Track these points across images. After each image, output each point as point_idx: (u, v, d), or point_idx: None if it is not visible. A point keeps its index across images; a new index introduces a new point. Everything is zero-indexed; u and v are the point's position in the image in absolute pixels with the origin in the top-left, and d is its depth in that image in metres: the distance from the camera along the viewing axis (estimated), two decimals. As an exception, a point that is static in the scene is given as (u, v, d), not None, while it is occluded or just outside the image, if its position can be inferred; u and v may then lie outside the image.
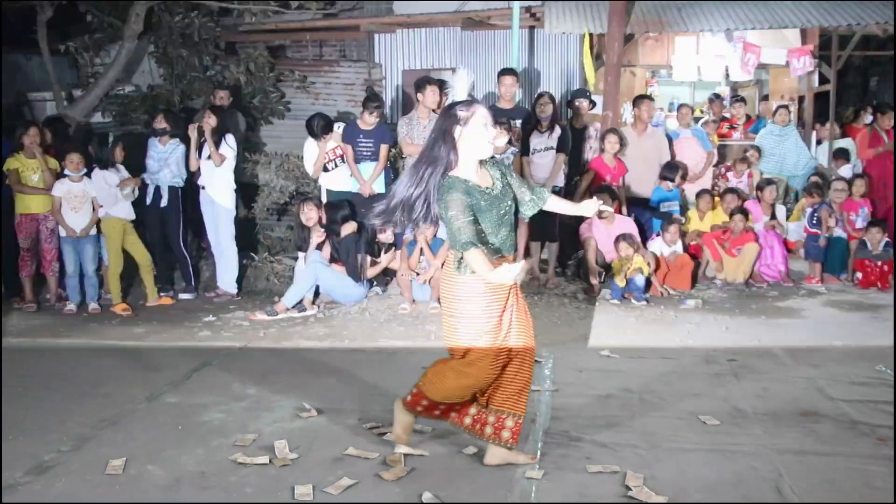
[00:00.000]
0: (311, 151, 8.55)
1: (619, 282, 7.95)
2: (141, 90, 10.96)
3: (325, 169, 8.51)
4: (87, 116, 10.24)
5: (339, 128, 8.65)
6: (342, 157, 8.49)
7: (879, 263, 8.56)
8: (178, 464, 4.18)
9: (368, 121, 8.36)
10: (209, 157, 8.20)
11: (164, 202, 8.30)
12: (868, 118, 10.66)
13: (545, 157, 8.39)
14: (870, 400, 5.04)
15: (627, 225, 8.38)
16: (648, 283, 8.08)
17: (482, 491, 3.83)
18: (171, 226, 8.39)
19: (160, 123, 8.38)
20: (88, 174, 7.95)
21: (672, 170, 9.14)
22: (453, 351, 4.04)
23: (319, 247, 7.91)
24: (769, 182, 9.67)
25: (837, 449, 4.30)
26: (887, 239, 8.71)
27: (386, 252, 7.97)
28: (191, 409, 5.00)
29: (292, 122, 11.12)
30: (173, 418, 4.85)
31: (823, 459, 4.16)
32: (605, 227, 8.31)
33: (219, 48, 10.88)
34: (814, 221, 8.94)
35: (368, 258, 7.93)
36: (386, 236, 7.90)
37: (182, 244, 8.44)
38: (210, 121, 8.20)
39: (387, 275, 8.16)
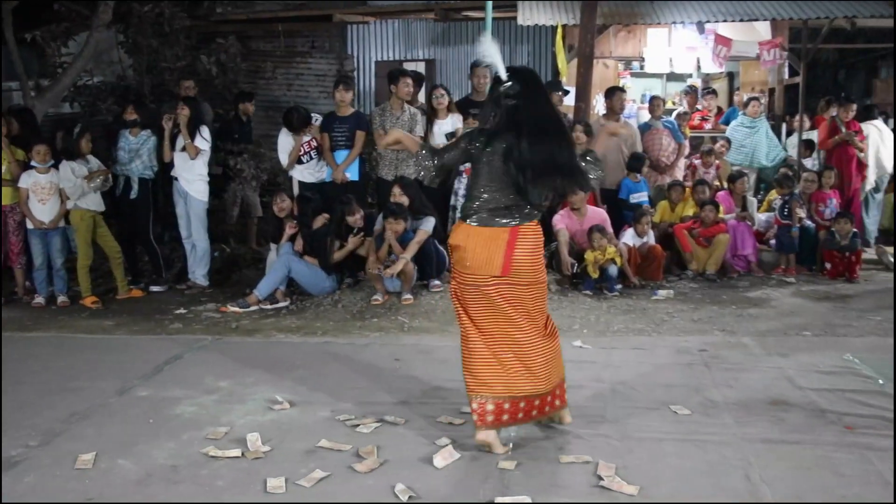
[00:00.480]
0: (286, 144, 8.51)
1: (593, 273, 7.98)
2: (110, 81, 10.84)
3: (300, 161, 8.47)
4: (55, 107, 10.11)
5: (316, 121, 8.61)
6: (316, 149, 8.46)
7: (847, 254, 8.65)
8: (149, 458, 4.15)
9: (340, 99, 8.33)
10: (183, 148, 8.13)
11: (133, 194, 8.23)
12: (834, 110, 10.81)
13: (518, 148, 8.37)
14: (838, 389, 5.09)
15: (600, 216, 8.41)
16: (621, 274, 8.12)
17: (456, 482, 3.84)
18: (140, 217, 8.31)
19: (130, 115, 8.30)
20: (56, 165, 7.86)
21: (638, 160, 9.19)
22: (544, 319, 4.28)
23: (291, 238, 7.88)
24: (740, 174, 9.74)
25: (806, 437, 4.35)
26: (855, 229, 8.82)
27: (354, 236, 7.88)
28: (162, 403, 4.96)
29: (262, 113, 11.06)
30: (144, 412, 4.81)
31: (792, 447, 4.21)
32: (577, 219, 8.34)
33: (190, 39, 10.79)
34: (785, 213, 9.02)
35: (337, 242, 7.88)
36: (354, 220, 7.84)
37: (152, 236, 8.37)
38: (184, 112, 8.13)
39: (359, 268, 8.12)
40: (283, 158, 8.57)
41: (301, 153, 8.43)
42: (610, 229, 8.32)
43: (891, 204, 10.81)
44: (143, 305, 7.78)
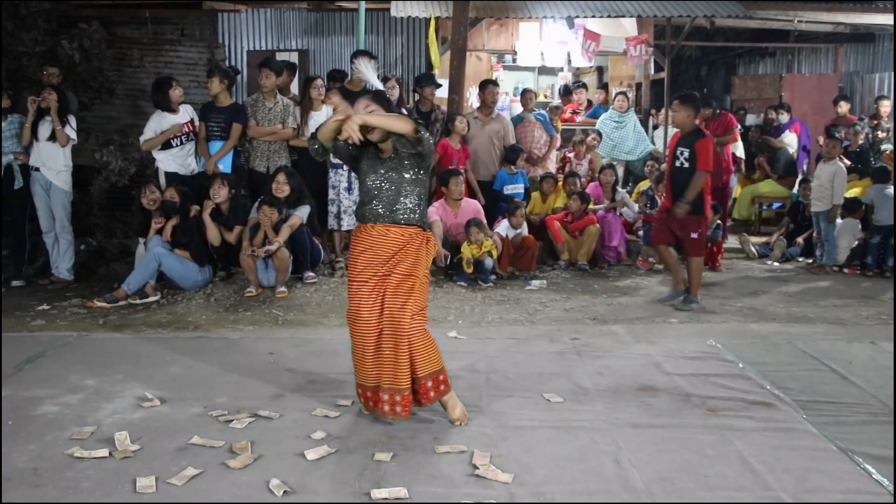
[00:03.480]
0: (158, 123, 8.13)
1: (467, 269, 8.04)
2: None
3: (170, 145, 8.14)
4: None
5: (187, 110, 8.28)
6: (188, 134, 8.18)
7: (709, 244, 9.01)
8: (8, 461, 3.94)
9: (217, 91, 8.13)
10: (49, 137, 7.79)
11: (17, 183, 7.86)
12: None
13: (392, 139, 8.37)
14: (702, 373, 5.31)
15: (473, 208, 8.49)
16: (494, 265, 8.22)
17: (331, 476, 3.81)
18: (19, 208, 7.94)
19: (5, 102, 7.94)
20: None
21: (514, 153, 9.32)
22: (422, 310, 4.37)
23: (161, 231, 7.65)
24: (610, 165, 10.03)
25: (672, 421, 4.51)
26: (718, 221, 9.19)
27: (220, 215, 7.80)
28: (22, 403, 4.74)
29: (129, 102, 10.70)
30: (2, 414, 4.58)
31: (659, 431, 4.36)
32: (451, 210, 8.40)
33: (50, 23, 10.29)
34: (649, 208, 9.29)
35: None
36: (216, 190, 7.70)
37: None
38: (51, 97, 7.78)
39: (233, 262, 7.93)
40: (148, 135, 8.11)
41: (172, 136, 8.09)
42: (484, 221, 8.42)
43: (747, 196, 11.33)
44: (2, 301, 7.40)
